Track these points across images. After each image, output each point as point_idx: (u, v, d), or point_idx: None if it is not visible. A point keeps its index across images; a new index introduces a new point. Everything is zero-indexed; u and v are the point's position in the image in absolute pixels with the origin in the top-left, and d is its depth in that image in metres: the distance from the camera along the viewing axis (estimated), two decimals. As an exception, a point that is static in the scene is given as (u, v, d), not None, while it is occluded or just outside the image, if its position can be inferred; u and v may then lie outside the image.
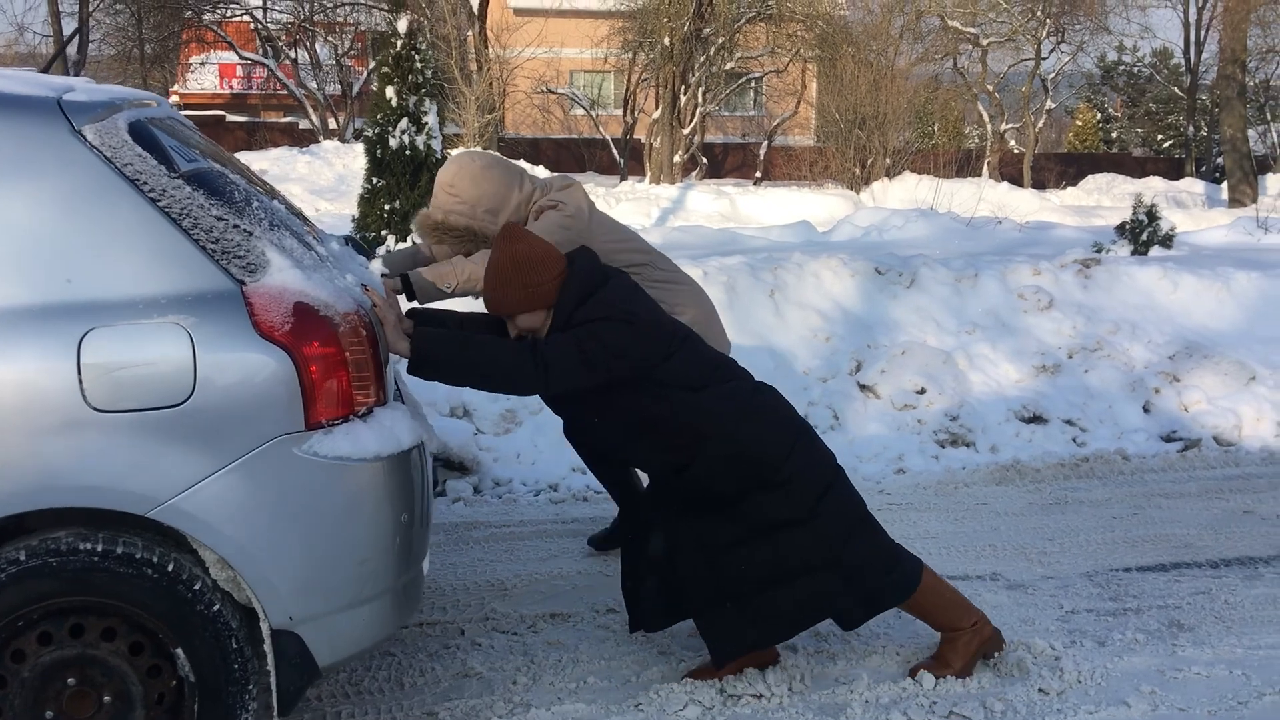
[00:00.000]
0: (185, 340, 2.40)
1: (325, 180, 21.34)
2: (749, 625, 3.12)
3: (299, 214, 3.17)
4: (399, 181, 8.35)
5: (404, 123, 8.24)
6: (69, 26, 28.46)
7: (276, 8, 29.51)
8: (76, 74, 27.24)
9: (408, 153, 8.27)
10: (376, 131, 8.29)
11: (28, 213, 2.39)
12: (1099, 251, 8.58)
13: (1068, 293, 6.66)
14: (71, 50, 28.16)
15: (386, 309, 2.85)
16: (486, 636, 3.53)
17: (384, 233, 8.39)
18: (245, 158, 21.33)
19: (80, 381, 2.34)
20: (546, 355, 2.91)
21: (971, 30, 31.04)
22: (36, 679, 2.41)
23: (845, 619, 3.22)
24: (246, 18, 29.71)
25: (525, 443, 5.35)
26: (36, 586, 2.37)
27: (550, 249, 3.06)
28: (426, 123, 8.34)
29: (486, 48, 24.99)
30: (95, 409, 2.35)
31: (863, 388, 5.89)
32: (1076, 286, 6.71)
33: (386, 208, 8.35)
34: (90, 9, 27.93)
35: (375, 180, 8.41)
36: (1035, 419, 5.82)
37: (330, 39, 29.92)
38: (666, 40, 23.40)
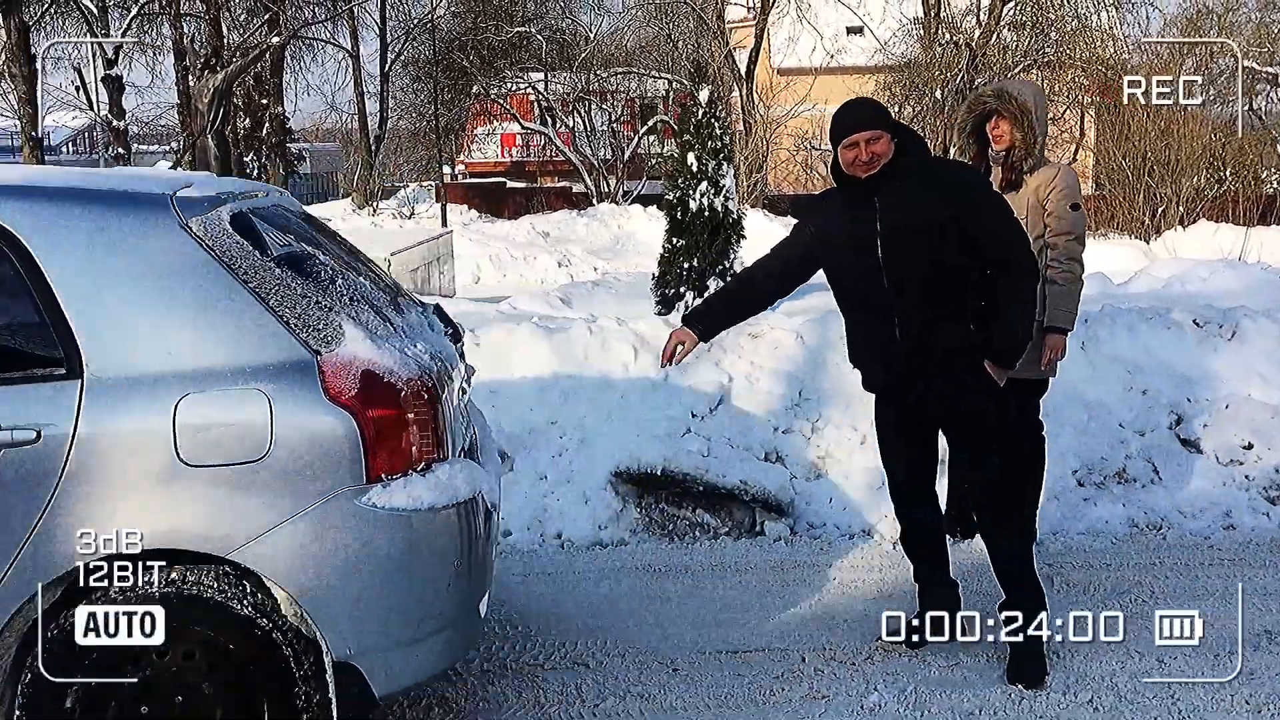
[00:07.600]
0: (265, 404, 2.71)
1: (603, 241, 22.47)
2: None
3: (392, 288, 3.48)
4: (697, 241, 8.83)
5: (704, 185, 8.72)
6: (371, 104, 31.51)
7: (556, 80, 31.40)
8: (377, 146, 30.08)
9: (706, 214, 8.73)
10: (678, 195, 8.81)
11: (139, 293, 2.75)
12: None
13: None
14: (374, 125, 31.13)
15: None
16: (826, 665, 3.77)
17: (682, 289, 8.89)
18: (531, 220, 22.97)
19: (175, 440, 2.68)
20: None
21: (1270, 69, 29.03)
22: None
23: None
24: (530, 90, 31.78)
25: (834, 489, 5.54)
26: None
27: None
28: (724, 185, 8.80)
29: (755, 107, 25.63)
30: (186, 463, 2.69)
31: (1184, 442, 5.74)
32: None
33: (685, 265, 8.84)
34: (390, 89, 30.81)
35: (675, 240, 8.93)
36: (1380, 477, 5.48)
37: (603, 107, 31.51)
38: (938, 93, 23.24)
